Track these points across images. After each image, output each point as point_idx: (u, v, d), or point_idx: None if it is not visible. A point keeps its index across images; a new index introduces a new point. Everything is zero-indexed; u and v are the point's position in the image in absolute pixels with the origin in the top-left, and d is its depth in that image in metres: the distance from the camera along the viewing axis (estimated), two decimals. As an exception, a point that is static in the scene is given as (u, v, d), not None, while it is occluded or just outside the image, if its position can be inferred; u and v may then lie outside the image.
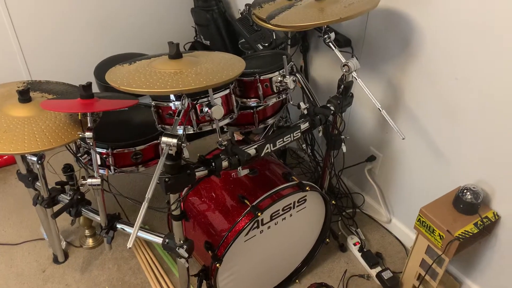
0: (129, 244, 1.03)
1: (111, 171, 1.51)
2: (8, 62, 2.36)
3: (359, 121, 2.07)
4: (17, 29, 2.31)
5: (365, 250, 1.99)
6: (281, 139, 1.47)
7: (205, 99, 1.30)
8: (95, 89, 1.54)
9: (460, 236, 1.48)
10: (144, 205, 1.06)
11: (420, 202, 1.61)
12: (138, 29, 2.71)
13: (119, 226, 1.54)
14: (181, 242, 1.40)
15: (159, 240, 1.45)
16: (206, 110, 1.29)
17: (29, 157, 1.54)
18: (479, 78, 1.46)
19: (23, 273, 1.92)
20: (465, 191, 1.55)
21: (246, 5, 2.18)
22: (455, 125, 1.61)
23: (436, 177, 1.77)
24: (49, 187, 1.64)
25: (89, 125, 1.27)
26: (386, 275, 1.85)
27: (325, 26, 1.51)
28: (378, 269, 1.90)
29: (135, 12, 2.66)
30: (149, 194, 1.07)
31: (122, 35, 2.67)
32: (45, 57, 2.46)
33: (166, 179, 1.20)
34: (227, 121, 1.40)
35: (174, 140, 1.13)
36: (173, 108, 1.26)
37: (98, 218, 1.54)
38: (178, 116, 1.20)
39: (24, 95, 1.32)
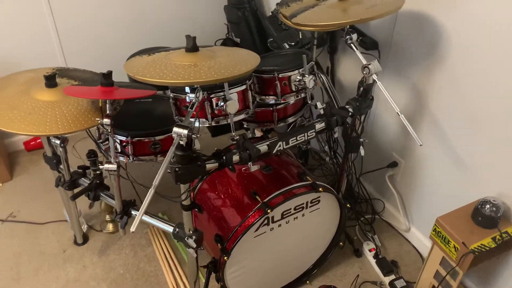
0: (132, 228, 1.06)
1: (129, 159, 1.56)
2: (46, 48, 2.47)
3: (382, 126, 2.03)
4: (56, 18, 2.41)
5: (380, 257, 1.95)
6: (294, 138, 1.47)
7: (221, 93, 1.33)
8: (125, 80, 1.60)
9: (476, 250, 1.44)
10: (150, 192, 1.09)
11: (441, 213, 1.56)
12: (172, 24, 2.77)
13: (133, 212, 1.59)
14: (191, 232, 1.43)
15: (169, 228, 1.49)
16: (221, 104, 1.31)
17: (53, 140, 1.61)
18: (506, 86, 1.40)
19: (45, 251, 2.00)
20: (485, 203, 1.49)
21: (277, 4, 2.18)
22: (479, 135, 1.55)
23: (456, 187, 1.72)
24: (72, 170, 1.71)
25: (108, 112, 1.32)
26: (399, 284, 1.81)
27: (348, 27, 1.49)
28: (392, 277, 1.86)
29: (170, 7, 2.72)
30: (156, 181, 1.10)
31: (156, 29, 2.73)
32: (81, 46, 2.55)
33: (176, 169, 1.23)
34: (242, 116, 1.42)
35: (185, 131, 1.15)
36: (187, 100, 1.28)
37: (114, 203, 1.59)
38: (191, 108, 1.23)
39: (50, 80, 1.39)
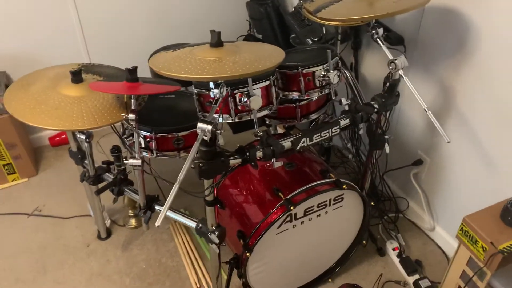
0: (157, 223, 1.06)
1: (153, 154, 1.57)
2: (70, 44, 2.51)
3: (407, 123, 2.00)
4: (80, 14, 2.44)
5: (404, 256, 1.92)
6: (319, 134, 1.45)
7: (244, 89, 1.32)
8: (149, 76, 1.60)
9: (505, 250, 1.40)
10: (175, 187, 1.09)
11: (467, 212, 1.52)
12: (194, 21, 2.78)
13: (157, 207, 1.60)
14: (213, 228, 1.43)
15: (192, 224, 1.49)
16: (244, 100, 1.31)
17: (79, 136, 1.63)
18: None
19: (69, 245, 2.04)
20: (515, 203, 1.45)
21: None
22: (508, 132, 1.51)
23: (484, 187, 1.68)
24: (97, 165, 1.73)
25: (132, 107, 1.33)
26: (424, 284, 1.78)
27: (373, 21, 1.47)
28: (416, 277, 1.83)
29: (192, 4, 2.72)
30: (180, 177, 1.10)
31: (179, 26, 2.74)
32: (105, 42, 2.59)
33: (200, 165, 1.23)
34: (265, 112, 1.41)
35: (209, 127, 1.15)
36: (211, 96, 1.28)
37: (138, 198, 1.61)
38: (215, 103, 1.23)
39: (76, 76, 1.40)
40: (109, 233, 2.08)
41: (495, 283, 1.72)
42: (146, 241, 2.05)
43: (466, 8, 1.53)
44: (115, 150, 1.74)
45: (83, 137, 1.59)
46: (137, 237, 2.08)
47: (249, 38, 2.77)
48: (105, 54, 2.59)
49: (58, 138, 2.64)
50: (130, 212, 2.12)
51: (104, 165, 1.72)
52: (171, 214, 1.52)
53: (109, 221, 2.12)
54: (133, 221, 2.13)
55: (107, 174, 1.71)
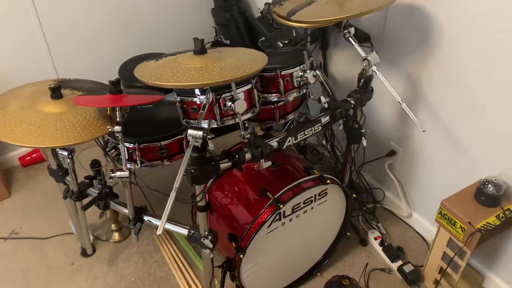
0: (159, 231, 1.08)
1: (138, 165, 1.57)
2: (36, 61, 2.45)
3: (378, 116, 2.08)
4: (45, 29, 2.38)
5: (386, 244, 2.00)
6: (303, 132, 1.50)
7: (228, 94, 1.34)
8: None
9: (482, 228, 1.49)
10: (173, 194, 1.10)
11: (441, 196, 1.62)
12: (159, 30, 2.77)
13: (146, 218, 1.60)
14: (206, 233, 1.44)
15: (184, 231, 1.50)
16: (229, 104, 1.33)
17: (60, 152, 1.60)
18: (498, 70, 1.46)
19: (52, 265, 1.99)
20: (487, 183, 1.55)
21: (265, 4, 2.21)
22: (475, 118, 1.61)
23: (456, 170, 1.78)
24: (79, 181, 1.71)
25: (118, 119, 1.33)
26: (408, 268, 1.86)
27: (345, 21, 1.53)
28: (399, 262, 1.91)
29: (156, 13, 2.72)
30: (176, 184, 1.11)
31: (144, 35, 2.73)
32: (71, 56, 2.53)
33: (192, 171, 1.25)
34: (249, 115, 1.44)
35: (200, 133, 1.17)
36: (198, 102, 1.30)
37: (125, 210, 1.60)
38: (203, 109, 1.25)
39: (56, 92, 1.39)
40: (93, 249, 2.04)
41: (474, 262, 1.82)
42: (132, 254, 2.03)
43: (427, 4, 1.63)
44: (95, 164, 1.73)
45: (65, 153, 1.57)
46: (122, 250, 2.05)
47: (216, 44, 2.79)
48: (73, 68, 2.54)
49: (29, 157, 2.56)
50: (113, 226, 2.09)
51: (87, 180, 1.70)
52: (166, 225, 1.52)
53: (91, 237, 2.08)
54: (116, 235, 2.10)
55: (91, 189, 1.69)
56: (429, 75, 1.73)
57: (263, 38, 2.19)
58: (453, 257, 1.64)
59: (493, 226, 1.50)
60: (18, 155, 2.58)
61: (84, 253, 2.02)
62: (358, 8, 1.36)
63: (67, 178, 1.69)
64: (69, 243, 2.10)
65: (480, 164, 1.66)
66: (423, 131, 1.49)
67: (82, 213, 1.81)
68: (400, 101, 1.48)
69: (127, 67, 1.87)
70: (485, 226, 1.50)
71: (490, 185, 1.55)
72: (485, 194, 1.55)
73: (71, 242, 2.09)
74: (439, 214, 1.63)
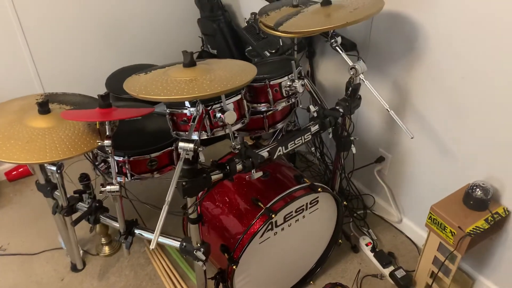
0: (152, 245, 1.07)
1: (128, 178, 1.56)
2: (21, 75, 2.42)
3: (367, 123, 2.10)
4: (30, 43, 2.37)
5: (377, 250, 2.01)
6: (293, 142, 1.51)
7: (218, 105, 1.34)
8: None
9: (472, 232, 1.51)
10: (165, 208, 1.10)
11: (431, 201, 1.64)
12: (146, 41, 2.77)
13: (137, 231, 1.58)
14: (198, 245, 1.44)
15: (176, 244, 1.49)
16: (219, 116, 1.33)
17: (48, 167, 1.59)
18: (484, 76, 1.49)
19: (42, 281, 1.96)
20: (475, 187, 1.57)
21: (251, 13, 2.22)
22: (462, 123, 1.64)
23: (445, 175, 1.80)
24: (68, 196, 1.69)
25: (107, 133, 1.32)
26: (399, 273, 1.87)
27: (332, 31, 1.55)
28: (391, 268, 1.92)
29: (142, 24, 2.72)
30: (168, 197, 1.11)
31: (130, 47, 2.72)
32: (57, 70, 2.51)
33: (184, 183, 1.24)
34: (239, 125, 1.44)
35: (191, 145, 1.17)
36: (188, 114, 1.30)
37: (116, 224, 1.58)
38: (193, 121, 1.25)
39: (43, 107, 1.37)
40: (83, 264, 2.02)
41: (464, 266, 1.84)
42: (123, 268, 2.01)
43: (412, 12, 1.65)
44: (84, 178, 1.71)
45: (53, 168, 1.55)
46: (112, 264, 2.03)
47: (203, 54, 2.80)
48: (59, 82, 2.52)
49: (15, 172, 2.53)
50: (103, 240, 2.07)
51: (76, 195, 1.68)
52: (152, 236, 1.51)
53: (81, 251, 2.05)
54: (106, 249, 2.08)
55: (80, 203, 1.67)
56: (416, 81, 1.76)
57: (250, 48, 2.20)
58: (444, 261, 1.65)
59: (482, 230, 1.52)
60: (4, 170, 2.54)
61: (74, 268, 1.99)
62: (344, 19, 1.38)
63: (55, 193, 1.67)
64: (58, 258, 2.07)
65: (468, 169, 1.69)
66: (411, 138, 1.51)
67: (72, 228, 1.79)
68: (388, 109, 1.50)
69: (114, 79, 1.87)
70: (474, 230, 1.52)
71: (478, 189, 1.57)
72: (473, 198, 1.57)
73: (61, 257, 2.06)
74: (429, 219, 1.64)
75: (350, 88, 1.58)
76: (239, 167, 1.36)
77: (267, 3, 2.15)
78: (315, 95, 1.95)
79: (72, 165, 2.09)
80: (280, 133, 1.80)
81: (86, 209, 1.65)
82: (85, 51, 2.58)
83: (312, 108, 1.57)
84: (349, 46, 1.88)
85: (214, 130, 1.39)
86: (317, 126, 1.57)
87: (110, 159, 1.36)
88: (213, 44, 2.66)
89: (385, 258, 1.97)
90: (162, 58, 2.70)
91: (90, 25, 2.54)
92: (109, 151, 1.33)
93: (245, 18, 2.57)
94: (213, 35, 2.58)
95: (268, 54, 2.05)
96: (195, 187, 1.28)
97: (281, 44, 2.03)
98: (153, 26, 2.77)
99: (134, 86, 1.19)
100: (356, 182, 2.30)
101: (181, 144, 1.17)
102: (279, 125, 1.76)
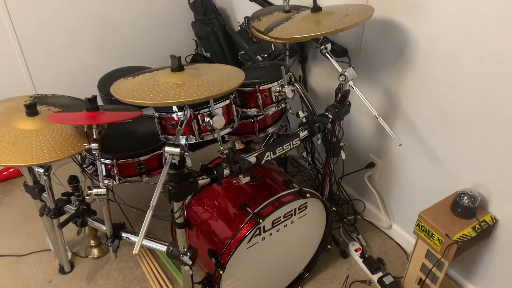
0: (135, 251, 1.06)
1: (116, 181, 1.55)
2: (13, 76, 2.42)
3: (357, 129, 2.11)
4: (22, 45, 2.37)
5: (366, 256, 2.01)
6: (281, 147, 1.51)
7: (206, 110, 1.35)
8: (99, 102, 1.59)
9: (459, 240, 1.51)
10: (149, 213, 1.09)
11: (420, 208, 1.64)
12: (140, 43, 2.77)
13: (124, 235, 1.58)
14: (185, 249, 1.43)
15: (163, 248, 1.49)
16: (207, 120, 1.33)
17: (36, 169, 1.58)
18: (473, 84, 1.49)
19: (29, 283, 1.94)
20: (462, 195, 1.58)
21: (245, 18, 2.23)
22: (451, 131, 1.64)
23: (434, 182, 1.80)
24: (55, 198, 1.68)
25: (94, 136, 1.31)
26: (388, 280, 1.87)
27: (322, 37, 1.55)
28: (380, 274, 1.93)
29: (137, 26, 2.72)
30: (153, 202, 1.11)
31: (124, 49, 2.72)
32: (49, 71, 2.51)
33: (170, 188, 1.24)
34: (228, 130, 1.44)
35: (177, 150, 1.17)
36: (175, 118, 1.30)
37: (103, 227, 1.58)
38: (180, 126, 1.25)
39: (31, 109, 1.37)
40: (71, 266, 2.01)
41: (452, 273, 1.84)
42: (112, 270, 2.00)
43: (403, 19, 1.66)
44: (73, 180, 1.71)
45: (41, 170, 1.54)
46: (101, 266, 2.02)
47: (196, 56, 2.80)
48: (51, 83, 2.51)
49: (5, 172, 2.51)
50: (92, 242, 2.06)
51: (64, 197, 1.67)
52: (144, 241, 1.51)
53: (70, 253, 2.05)
54: (95, 251, 2.07)
55: (68, 206, 1.67)
56: (406, 88, 1.76)
57: (243, 52, 2.20)
58: (431, 268, 1.65)
59: (469, 238, 1.52)
60: (-6, 170, 2.54)
61: (62, 270, 1.98)
62: (333, 25, 1.38)
63: (43, 194, 1.66)
64: (46, 260, 2.06)
65: (456, 176, 1.69)
66: (400, 145, 1.51)
67: (59, 230, 1.78)
68: (377, 116, 1.50)
69: (107, 81, 1.86)
70: (461, 238, 1.52)
71: (465, 197, 1.57)
72: (461, 206, 1.57)
73: (49, 259, 2.05)
74: (417, 226, 1.64)
75: (340, 95, 1.58)
76: (226, 172, 1.36)
77: (261, 7, 2.16)
78: (306, 101, 1.95)
79: (62, 167, 2.10)
80: (272, 138, 1.81)
81: (73, 211, 1.64)
82: (79, 53, 2.58)
83: (301, 113, 1.57)
84: (340, 52, 1.89)
85: (203, 134, 1.39)
86: (306, 132, 1.57)
87: (97, 163, 1.36)
88: (206, 47, 2.66)
89: (374, 264, 1.97)
90: (157, 61, 2.71)
91: (84, 27, 2.54)
92: (96, 154, 1.33)
93: (239, 22, 2.57)
94: (206, 38, 2.58)
95: (260, 58, 2.06)
96: (181, 192, 1.27)
97: (273, 49, 2.03)
98: (147, 28, 2.77)
99: (121, 89, 1.18)
100: (347, 188, 2.30)
101: (167, 148, 1.17)
102: (270, 130, 1.77)
